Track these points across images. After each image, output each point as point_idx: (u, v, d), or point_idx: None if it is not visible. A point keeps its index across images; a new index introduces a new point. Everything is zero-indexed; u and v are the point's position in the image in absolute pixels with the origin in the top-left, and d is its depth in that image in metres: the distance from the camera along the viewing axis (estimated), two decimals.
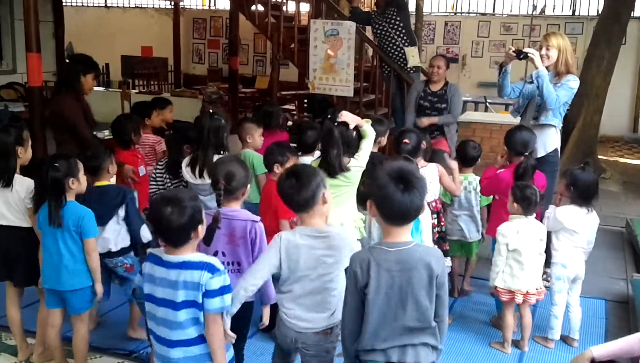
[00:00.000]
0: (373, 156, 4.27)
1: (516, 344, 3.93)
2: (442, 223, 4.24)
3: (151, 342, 2.65)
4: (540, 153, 4.60)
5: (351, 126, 3.62)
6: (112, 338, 3.83)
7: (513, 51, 4.66)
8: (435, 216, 4.16)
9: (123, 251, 3.61)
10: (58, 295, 3.26)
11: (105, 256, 3.56)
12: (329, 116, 3.63)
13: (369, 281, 2.24)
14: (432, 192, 4.13)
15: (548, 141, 4.71)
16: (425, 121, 5.76)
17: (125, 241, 3.61)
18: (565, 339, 4.02)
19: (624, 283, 4.95)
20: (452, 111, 5.80)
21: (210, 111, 4.18)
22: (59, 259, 3.19)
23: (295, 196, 2.61)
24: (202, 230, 2.49)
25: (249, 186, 3.10)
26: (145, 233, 3.61)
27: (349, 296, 2.33)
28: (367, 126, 3.68)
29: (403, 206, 2.20)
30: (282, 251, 2.62)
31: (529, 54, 4.56)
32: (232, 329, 2.70)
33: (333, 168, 3.55)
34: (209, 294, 2.41)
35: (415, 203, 2.22)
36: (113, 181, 4.03)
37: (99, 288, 3.29)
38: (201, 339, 2.48)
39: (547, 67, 4.58)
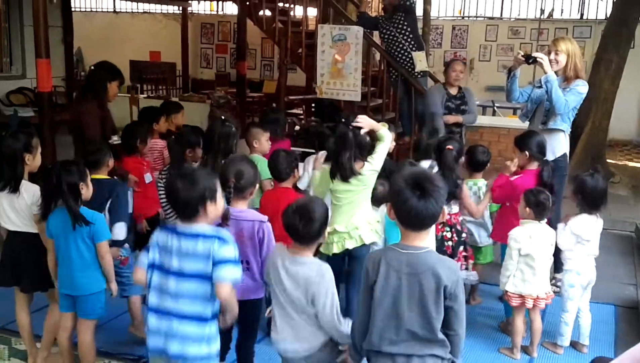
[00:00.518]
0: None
1: (525, 350, 3.92)
2: (454, 238, 4.16)
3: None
4: (549, 158, 4.57)
5: (364, 130, 3.61)
6: (121, 343, 3.84)
7: (522, 56, 4.66)
8: (448, 229, 4.14)
9: (116, 243, 3.60)
10: (71, 299, 3.29)
11: None
12: (343, 120, 3.64)
13: (377, 279, 2.29)
14: (448, 205, 4.11)
15: (557, 145, 4.70)
16: (451, 119, 5.82)
17: (121, 233, 3.62)
18: (574, 345, 4.00)
19: (634, 289, 4.93)
20: (472, 111, 5.94)
21: (222, 117, 4.20)
22: (72, 264, 3.21)
23: (300, 231, 2.66)
24: (213, 208, 2.59)
25: (257, 185, 3.14)
26: (119, 231, 3.60)
27: (363, 293, 2.39)
28: (383, 130, 3.68)
29: (418, 212, 2.22)
30: None
31: (537, 59, 4.55)
32: (241, 324, 2.74)
33: (344, 171, 3.56)
34: (219, 262, 2.51)
35: (431, 210, 2.23)
36: None
37: (114, 286, 3.33)
38: (202, 318, 2.56)
39: (555, 72, 4.58)
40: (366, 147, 3.65)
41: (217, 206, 2.62)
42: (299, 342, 2.70)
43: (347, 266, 3.91)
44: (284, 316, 2.72)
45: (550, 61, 4.59)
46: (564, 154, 4.78)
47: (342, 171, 3.57)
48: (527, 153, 4.19)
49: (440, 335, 2.29)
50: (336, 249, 3.74)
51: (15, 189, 3.35)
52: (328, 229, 3.55)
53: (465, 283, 4.09)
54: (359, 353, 2.47)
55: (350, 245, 3.72)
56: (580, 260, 3.90)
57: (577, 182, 3.94)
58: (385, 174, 3.78)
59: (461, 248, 4.20)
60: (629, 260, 5.66)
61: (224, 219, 2.86)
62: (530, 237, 3.78)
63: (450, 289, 2.25)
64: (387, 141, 3.66)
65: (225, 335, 3.19)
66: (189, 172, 2.64)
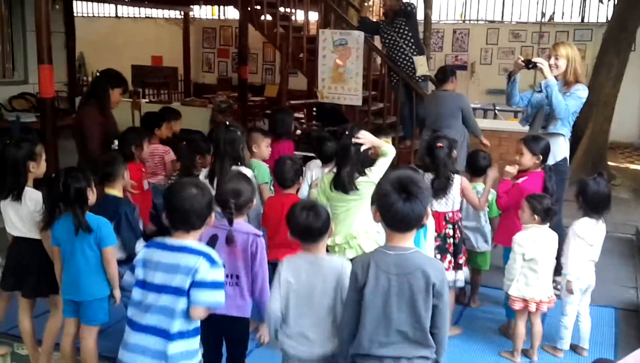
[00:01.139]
0: None
1: (525, 353, 3.93)
2: (457, 235, 4.15)
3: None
4: (550, 162, 4.60)
5: (364, 146, 3.62)
6: None
7: (522, 61, 4.68)
8: (451, 226, 4.15)
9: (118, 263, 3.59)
10: (75, 305, 3.31)
11: None
12: (347, 133, 3.65)
13: (367, 281, 2.31)
14: (451, 203, 4.13)
15: (557, 150, 4.71)
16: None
17: (119, 253, 3.58)
18: (574, 348, 4.01)
19: (634, 292, 4.93)
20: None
21: (227, 123, 4.24)
22: (79, 269, 3.22)
23: (313, 227, 2.69)
24: (210, 221, 2.60)
25: (255, 200, 3.15)
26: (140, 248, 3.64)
27: (349, 297, 2.41)
28: (388, 146, 3.70)
29: (405, 214, 2.26)
30: None
31: (537, 64, 4.58)
32: (228, 342, 2.74)
33: (344, 184, 3.59)
34: (199, 284, 2.42)
35: (417, 212, 2.27)
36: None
37: (117, 293, 3.32)
38: (180, 335, 2.47)
39: (555, 77, 4.60)
40: (367, 162, 3.66)
41: (211, 219, 2.63)
42: (318, 346, 2.68)
43: None
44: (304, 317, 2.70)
45: (550, 65, 4.61)
46: (565, 158, 4.80)
47: (342, 183, 3.60)
48: (540, 156, 4.21)
49: (430, 339, 2.32)
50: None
51: (18, 197, 3.38)
52: (328, 242, 3.60)
53: (455, 285, 4.13)
54: (345, 359, 2.46)
55: (351, 254, 3.69)
56: (579, 264, 3.90)
57: (579, 185, 3.94)
58: None
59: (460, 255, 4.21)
60: (629, 262, 5.67)
61: (229, 242, 2.89)
62: (535, 241, 3.79)
63: (438, 287, 2.29)
64: (390, 156, 3.67)
65: (215, 352, 3.20)
66: (196, 183, 2.62)
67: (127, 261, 3.62)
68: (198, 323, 2.55)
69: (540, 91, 4.66)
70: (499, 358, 3.94)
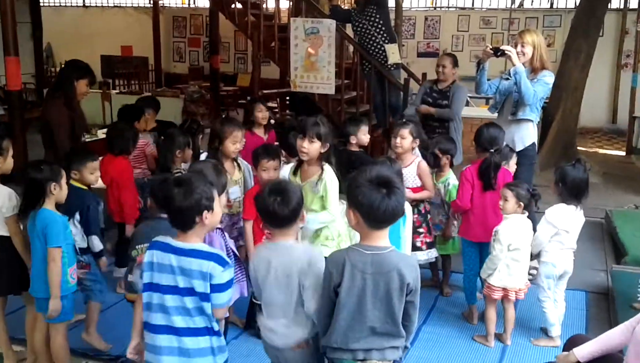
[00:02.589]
0: (355, 155, 4.31)
1: (499, 337, 3.98)
2: (429, 218, 4.31)
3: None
4: (519, 147, 4.75)
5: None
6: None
7: (490, 49, 4.74)
8: (421, 205, 4.26)
9: (82, 251, 3.61)
10: (43, 300, 3.24)
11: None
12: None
13: (342, 281, 2.31)
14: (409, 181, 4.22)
15: (525, 135, 4.82)
16: (422, 109, 5.81)
17: (83, 242, 3.65)
18: (546, 332, 4.07)
19: (604, 275, 5.02)
20: (451, 106, 5.76)
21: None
22: (34, 265, 3.21)
23: (279, 213, 2.57)
24: (210, 218, 2.47)
25: (224, 194, 3.12)
26: (95, 242, 3.68)
27: (325, 294, 2.40)
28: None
29: (391, 210, 2.25)
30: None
31: (505, 51, 4.64)
32: None
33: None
34: (218, 288, 2.42)
35: (401, 204, 2.29)
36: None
37: (53, 304, 3.15)
38: (207, 331, 2.49)
39: (523, 64, 4.67)
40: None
41: (214, 215, 2.51)
42: (289, 335, 2.63)
43: None
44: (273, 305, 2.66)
45: (517, 53, 4.68)
46: (533, 144, 4.89)
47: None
48: (475, 144, 4.29)
49: (402, 331, 2.36)
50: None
51: None
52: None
53: (427, 262, 4.32)
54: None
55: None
56: (556, 252, 3.92)
57: (558, 172, 3.94)
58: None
59: (423, 226, 4.32)
60: (599, 246, 5.76)
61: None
62: (517, 231, 3.84)
63: (412, 286, 2.32)
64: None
65: None
66: (185, 179, 2.51)
67: (88, 250, 3.68)
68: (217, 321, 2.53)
69: (508, 78, 4.74)
70: (473, 342, 3.99)
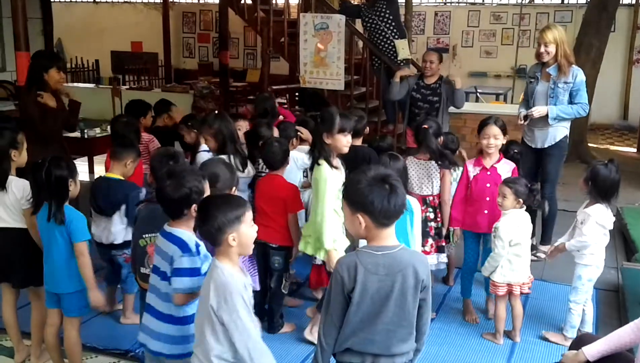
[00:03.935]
0: (360, 151, 4.30)
1: (508, 335, 3.97)
2: (438, 219, 4.22)
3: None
4: (550, 143, 5.11)
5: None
6: (108, 338, 3.84)
7: (522, 122, 5.08)
8: (432, 210, 4.19)
9: (126, 244, 3.77)
10: (56, 296, 3.29)
11: (110, 247, 3.83)
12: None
13: (355, 286, 2.23)
14: (432, 186, 4.18)
15: (559, 131, 5.11)
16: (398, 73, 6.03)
17: (128, 235, 3.76)
18: (562, 328, 4.03)
19: (615, 272, 4.99)
20: (455, 103, 5.74)
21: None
22: (53, 261, 3.21)
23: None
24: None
25: (234, 188, 3.14)
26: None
27: (336, 300, 2.28)
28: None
29: (400, 202, 2.23)
30: None
31: (535, 114, 4.96)
32: None
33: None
34: (176, 272, 2.49)
35: (403, 198, 2.26)
36: None
37: (93, 296, 3.21)
38: (170, 318, 2.57)
39: (547, 62, 4.93)
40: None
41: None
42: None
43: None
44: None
45: (541, 53, 4.95)
46: (565, 136, 5.16)
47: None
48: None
49: (414, 331, 2.32)
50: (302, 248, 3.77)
51: (2, 186, 3.34)
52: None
53: (436, 268, 4.26)
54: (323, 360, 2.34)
55: (309, 251, 3.72)
56: (601, 254, 3.85)
57: (590, 170, 3.85)
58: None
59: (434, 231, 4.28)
60: (610, 243, 5.63)
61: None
62: (518, 226, 3.82)
63: (425, 282, 2.28)
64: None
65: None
66: (177, 172, 2.62)
67: (123, 246, 3.82)
68: (188, 311, 2.56)
69: (532, 82, 5.13)
70: (482, 340, 3.98)
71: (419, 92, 5.84)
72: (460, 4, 14.08)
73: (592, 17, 8.72)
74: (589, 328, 3.98)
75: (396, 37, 7.23)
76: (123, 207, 3.79)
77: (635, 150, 10.29)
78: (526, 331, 4.04)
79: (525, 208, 3.88)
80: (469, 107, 9.60)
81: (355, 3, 9.69)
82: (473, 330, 4.10)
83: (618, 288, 4.69)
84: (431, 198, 4.20)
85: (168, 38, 14.33)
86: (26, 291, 3.56)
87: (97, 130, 7.62)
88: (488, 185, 4.12)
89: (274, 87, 9.60)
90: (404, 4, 9.29)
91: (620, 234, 5.92)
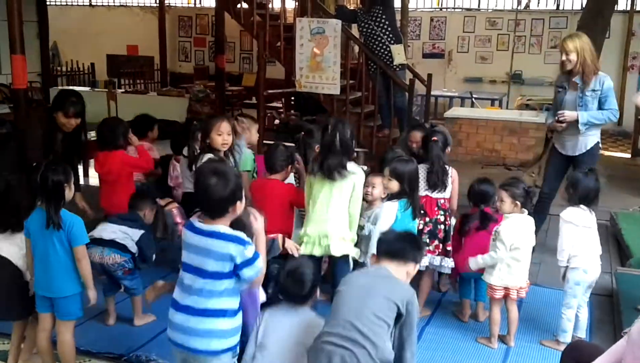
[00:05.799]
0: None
1: (502, 339, 3.97)
2: (447, 222, 4.20)
3: None
4: (581, 151, 5.10)
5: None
6: (102, 341, 3.82)
7: (555, 129, 5.14)
8: (442, 212, 4.20)
9: (123, 248, 3.83)
10: (48, 300, 3.27)
11: (103, 243, 3.82)
12: (330, 128, 3.69)
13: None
14: (444, 190, 4.21)
15: (590, 139, 5.10)
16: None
17: (134, 246, 3.88)
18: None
19: (609, 277, 5.00)
20: None
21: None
22: (49, 265, 3.19)
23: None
24: (240, 207, 2.59)
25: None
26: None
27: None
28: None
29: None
30: None
31: (567, 119, 4.96)
32: None
33: (330, 171, 3.65)
34: (245, 263, 2.54)
35: None
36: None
37: (91, 294, 3.29)
38: (223, 313, 2.59)
39: (571, 70, 4.93)
40: (351, 148, 3.76)
41: (241, 205, 2.62)
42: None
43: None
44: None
45: (564, 62, 4.97)
46: (597, 143, 5.16)
47: (328, 170, 3.64)
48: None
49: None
50: (305, 250, 3.76)
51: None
52: (301, 231, 3.62)
53: (443, 271, 4.28)
54: None
55: (317, 252, 3.75)
56: (587, 256, 3.85)
57: (570, 178, 3.95)
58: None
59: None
60: (604, 248, 5.60)
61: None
62: (518, 230, 3.82)
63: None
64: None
65: None
66: (220, 169, 2.58)
67: (130, 254, 3.90)
68: (236, 305, 2.64)
69: (560, 91, 5.13)
70: (476, 344, 3.98)
71: None
72: (456, 10, 14.12)
73: (587, 23, 8.73)
74: (582, 333, 3.98)
75: (392, 42, 7.24)
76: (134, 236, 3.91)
77: (629, 155, 10.32)
78: (520, 335, 4.03)
79: (527, 212, 3.89)
80: (464, 112, 9.66)
81: (352, 8, 9.71)
82: (467, 334, 4.10)
83: (612, 293, 4.69)
84: (442, 201, 4.20)
85: (164, 42, 14.32)
86: None
87: (92, 133, 7.59)
88: None
89: (270, 91, 9.60)
90: (400, 9, 9.32)
91: (614, 239, 5.93)
